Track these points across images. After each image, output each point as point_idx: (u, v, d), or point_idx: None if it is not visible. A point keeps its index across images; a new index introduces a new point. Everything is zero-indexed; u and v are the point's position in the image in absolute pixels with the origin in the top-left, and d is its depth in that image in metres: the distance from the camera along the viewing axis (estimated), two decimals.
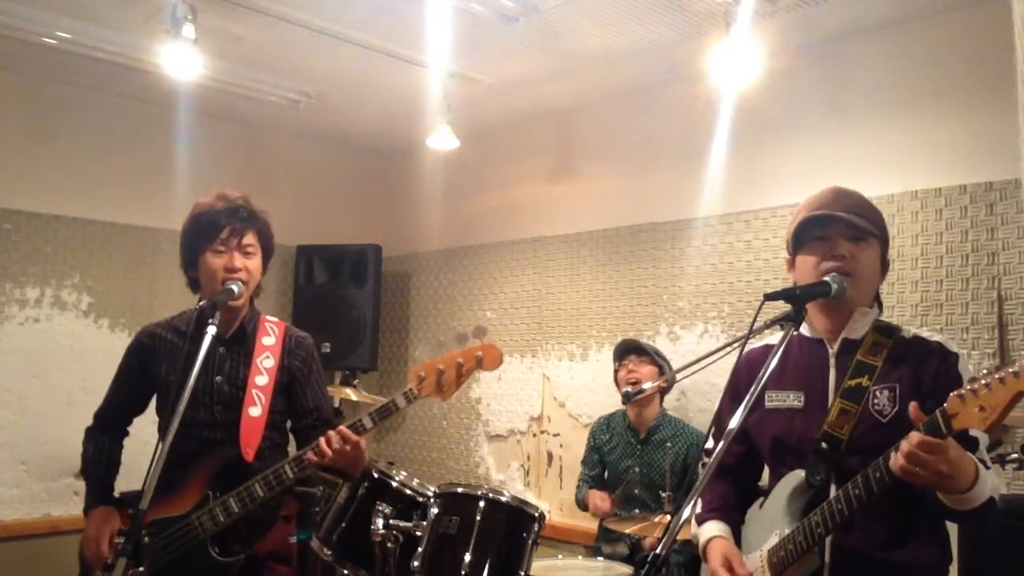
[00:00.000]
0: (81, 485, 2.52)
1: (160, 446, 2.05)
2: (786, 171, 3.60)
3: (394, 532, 2.62)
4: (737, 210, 3.75)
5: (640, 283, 4.09)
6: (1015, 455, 2.55)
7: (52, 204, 4.18)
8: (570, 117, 4.52)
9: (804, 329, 1.96)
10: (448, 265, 5.08)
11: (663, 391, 3.60)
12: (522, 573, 2.57)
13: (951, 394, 1.49)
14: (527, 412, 4.52)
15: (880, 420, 1.79)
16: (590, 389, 4.24)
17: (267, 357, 2.45)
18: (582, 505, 3.61)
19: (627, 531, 3.08)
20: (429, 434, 5.04)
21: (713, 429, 2.06)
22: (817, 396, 1.88)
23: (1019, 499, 2.59)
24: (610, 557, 3.20)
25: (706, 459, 1.91)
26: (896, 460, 1.56)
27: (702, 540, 1.97)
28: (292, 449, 2.51)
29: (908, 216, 3.23)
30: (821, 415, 1.85)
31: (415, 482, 2.83)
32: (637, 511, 3.32)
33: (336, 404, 4.25)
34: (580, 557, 3.25)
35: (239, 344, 2.45)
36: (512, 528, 2.61)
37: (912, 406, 1.56)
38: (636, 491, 3.46)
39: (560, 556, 3.27)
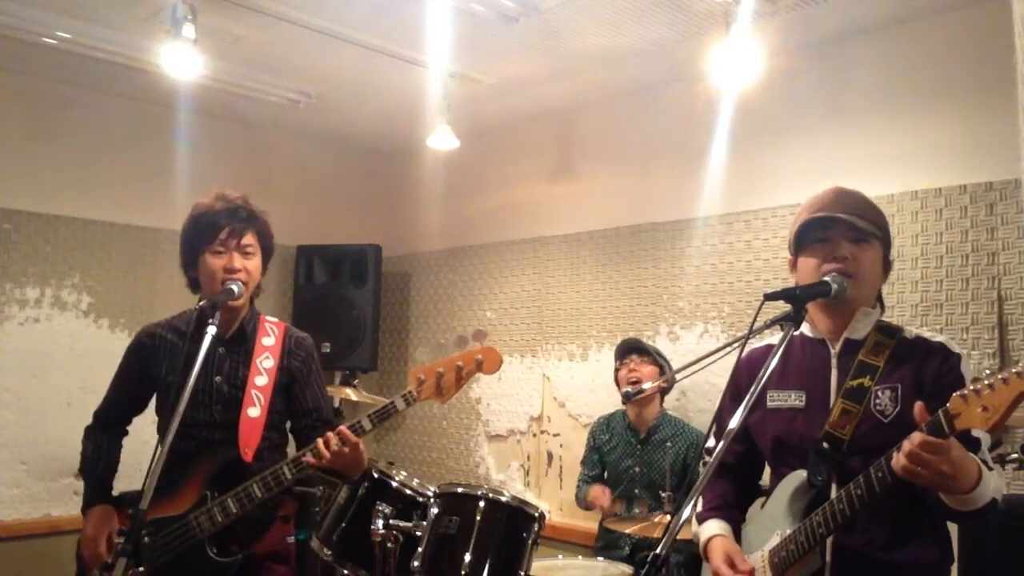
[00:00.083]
0: (81, 485, 2.52)
1: (160, 446, 2.05)
2: (786, 171, 3.60)
3: (394, 532, 2.63)
4: (737, 210, 3.75)
5: (640, 283, 4.09)
6: (1015, 455, 2.55)
7: (52, 204, 4.18)
8: (570, 117, 4.52)
9: (806, 329, 1.96)
10: (448, 265, 5.08)
11: (663, 391, 3.60)
12: (522, 573, 2.58)
13: (954, 394, 1.49)
14: (527, 412, 4.52)
15: (882, 420, 1.79)
16: (590, 389, 4.23)
17: (267, 357, 2.45)
18: (583, 504, 3.61)
19: (627, 531, 3.08)
20: (429, 434, 5.04)
21: (714, 428, 2.06)
22: (819, 396, 1.88)
23: (1019, 499, 2.59)
24: (610, 557, 3.20)
25: (707, 458, 1.91)
26: (898, 460, 1.56)
27: (703, 539, 1.97)
28: (292, 450, 2.50)
29: (908, 216, 3.23)
30: (823, 415, 1.85)
31: (415, 482, 2.83)
32: (637, 511, 3.32)
33: (336, 404, 4.24)
34: (580, 557, 3.25)
35: (239, 344, 2.44)
36: (512, 528, 2.61)
37: (918, 406, 1.56)
38: (636, 491, 3.46)
39: (560, 556, 3.27)
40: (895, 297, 3.17)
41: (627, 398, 3.20)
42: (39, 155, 4.15)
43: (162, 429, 2.39)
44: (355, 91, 4.31)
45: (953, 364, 1.78)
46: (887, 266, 1.95)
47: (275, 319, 2.56)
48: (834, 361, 1.90)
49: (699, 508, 2.02)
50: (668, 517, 2.92)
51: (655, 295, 4.03)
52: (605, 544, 3.48)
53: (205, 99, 4.30)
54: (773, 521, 1.87)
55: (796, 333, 1.91)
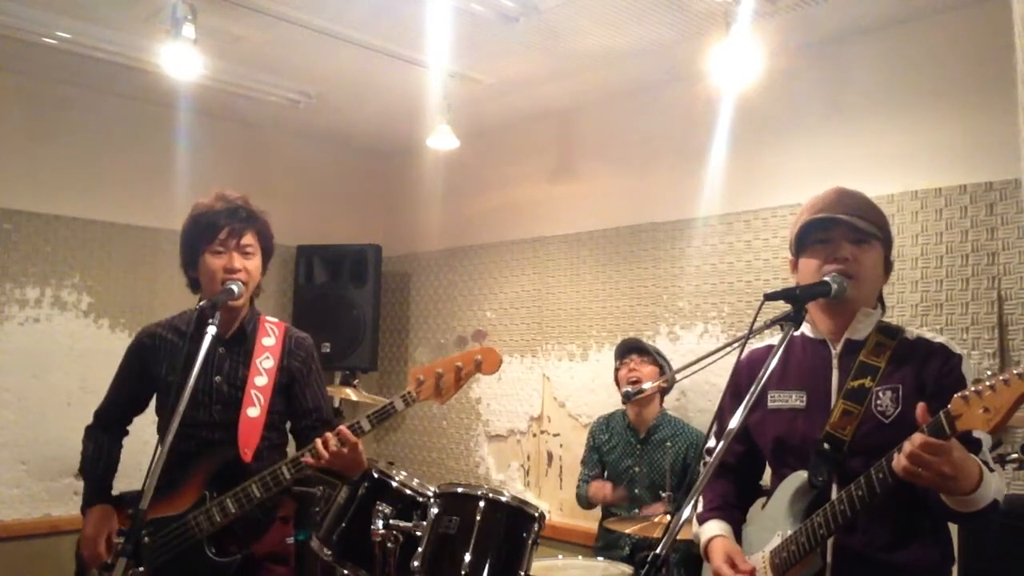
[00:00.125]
0: (81, 485, 2.52)
1: (160, 446, 2.04)
2: (786, 171, 3.60)
3: (394, 532, 2.63)
4: (737, 210, 3.75)
5: (640, 283, 4.09)
6: (1015, 455, 2.56)
7: (52, 204, 4.18)
8: (570, 117, 4.52)
9: (807, 330, 1.96)
10: (448, 265, 5.08)
11: (663, 391, 3.60)
12: (522, 573, 2.57)
13: (955, 395, 1.49)
14: (527, 412, 4.52)
15: (883, 421, 1.78)
16: (590, 389, 4.23)
17: (267, 358, 2.45)
18: (584, 502, 3.61)
19: (627, 531, 3.07)
20: (429, 434, 5.04)
21: (715, 428, 2.06)
22: (820, 397, 1.88)
23: (1019, 499, 2.59)
24: (610, 557, 3.20)
25: (708, 458, 1.91)
26: (899, 461, 1.56)
27: (703, 539, 1.97)
28: (292, 450, 2.50)
29: (908, 216, 3.23)
30: (823, 416, 1.85)
31: (415, 482, 2.83)
32: (637, 511, 3.32)
33: (336, 404, 4.25)
34: (580, 557, 3.25)
35: (239, 344, 2.44)
36: (512, 528, 2.61)
37: (920, 407, 1.56)
38: (636, 491, 3.46)
39: (560, 556, 3.27)
40: (895, 297, 3.17)
41: (627, 398, 3.20)
42: (39, 155, 4.15)
43: (162, 429, 2.39)
44: (355, 91, 4.31)
45: (954, 365, 1.78)
46: (888, 267, 1.95)
47: (275, 319, 2.56)
48: (835, 362, 1.89)
49: (700, 508, 2.02)
50: (668, 517, 2.92)
51: (655, 295, 4.03)
52: (605, 544, 3.48)
53: (205, 99, 4.30)
54: (774, 522, 1.87)
55: (797, 334, 1.91)
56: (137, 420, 2.61)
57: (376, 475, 2.78)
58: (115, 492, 2.48)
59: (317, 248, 4.94)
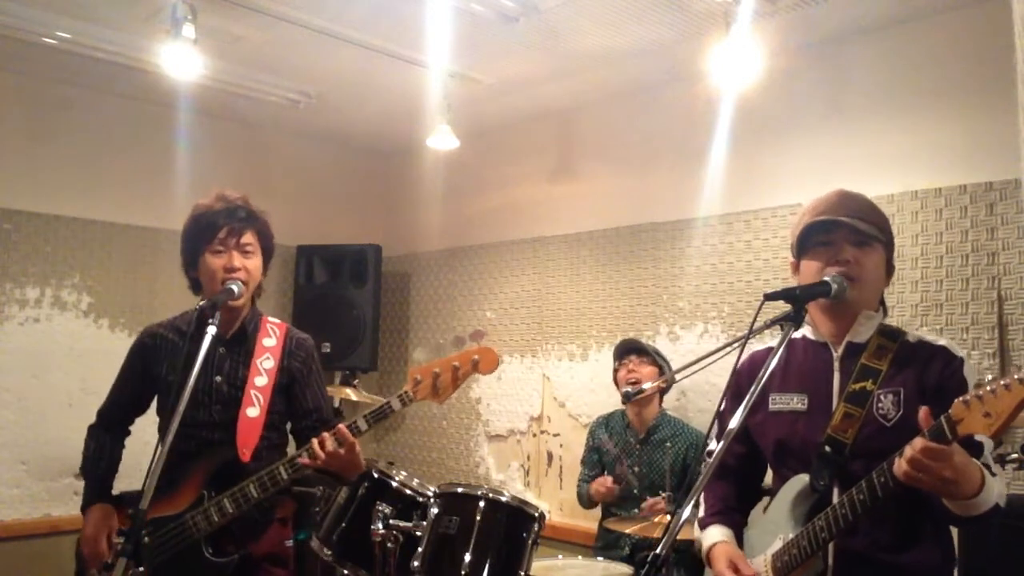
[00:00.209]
0: (81, 485, 2.52)
1: (160, 446, 2.04)
2: (786, 171, 3.60)
3: (394, 532, 2.63)
4: (737, 210, 3.75)
5: (640, 283, 4.09)
6: (1015, 455, 2.55)
7: (52, 204, 4.18)
8: (570, 117, 4.52)
9: (808, 332, 1.96)
10: (448, 265, 5.08)
11: (663, 391, 3.60)
12: (522, 573, 2.58)
13: (956, 400, 1.49)
14: (527, 412, 4.52)
15: (884, 424, 1.78)
16: (590, 389, 4.23)
17: (267, 358, 2.45)
18: (585, 501, 3.61)
19: (627, 531, 3.07)
20: (429, 434, 5.04)
21: (715, 430, 2.06)
22: (821, 399, 1.88)
23: (1020, 499, 2.59)
24: (610, 557, 3.20)
25: (708, 460, 1.91)
26: (900, 466, 1.56)
27: (705, 545, 1.97)
28: (292, 450, 2.50)
29: (908, 216, 3.23)
30: (825, 419, 1.85)
31: (415, 482, 2.84)
32: (637, 511, 3.32)
33: (336, 404, 4.25)
34: (580, 557, 3.25)
35: (239, 344, 2.44)
36: (512, 528, 2.62)
37: (922, 411, 1.55)
38: (636, 491, 3.46)
39: (560, 556, 3.27)
40: (895, 297, 3.17)
41: (627, 398, 3.19)
42: (39, 155, 4.15)
43: (163, 429, 2.39)
44: (355, 91, 4.31)
45: (956, 368, 1.78)
46: (890, 269, 1.95)
47: (277, 320, 2.56)
48: (836, 364, 1.89)
49: (701, 513, 2.02)
50: (668, 517, 2.92)
51: (655, 295, 4.03)
52: (605, 544, 3.48)
53: (205, 99, 4.30)
54: (775, 525, 1.87)
55: (799, 336, 1.91)
56: (138, 420, 2.61)
57: (376, 475, 2.78)
58: (115, 492, 2.48)
59: (317, 248, 4.94)
